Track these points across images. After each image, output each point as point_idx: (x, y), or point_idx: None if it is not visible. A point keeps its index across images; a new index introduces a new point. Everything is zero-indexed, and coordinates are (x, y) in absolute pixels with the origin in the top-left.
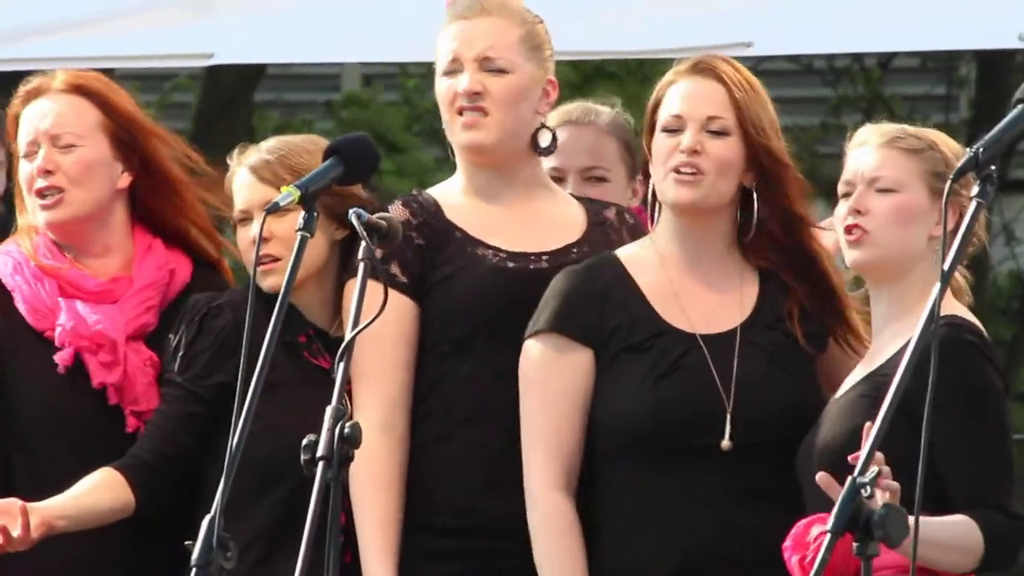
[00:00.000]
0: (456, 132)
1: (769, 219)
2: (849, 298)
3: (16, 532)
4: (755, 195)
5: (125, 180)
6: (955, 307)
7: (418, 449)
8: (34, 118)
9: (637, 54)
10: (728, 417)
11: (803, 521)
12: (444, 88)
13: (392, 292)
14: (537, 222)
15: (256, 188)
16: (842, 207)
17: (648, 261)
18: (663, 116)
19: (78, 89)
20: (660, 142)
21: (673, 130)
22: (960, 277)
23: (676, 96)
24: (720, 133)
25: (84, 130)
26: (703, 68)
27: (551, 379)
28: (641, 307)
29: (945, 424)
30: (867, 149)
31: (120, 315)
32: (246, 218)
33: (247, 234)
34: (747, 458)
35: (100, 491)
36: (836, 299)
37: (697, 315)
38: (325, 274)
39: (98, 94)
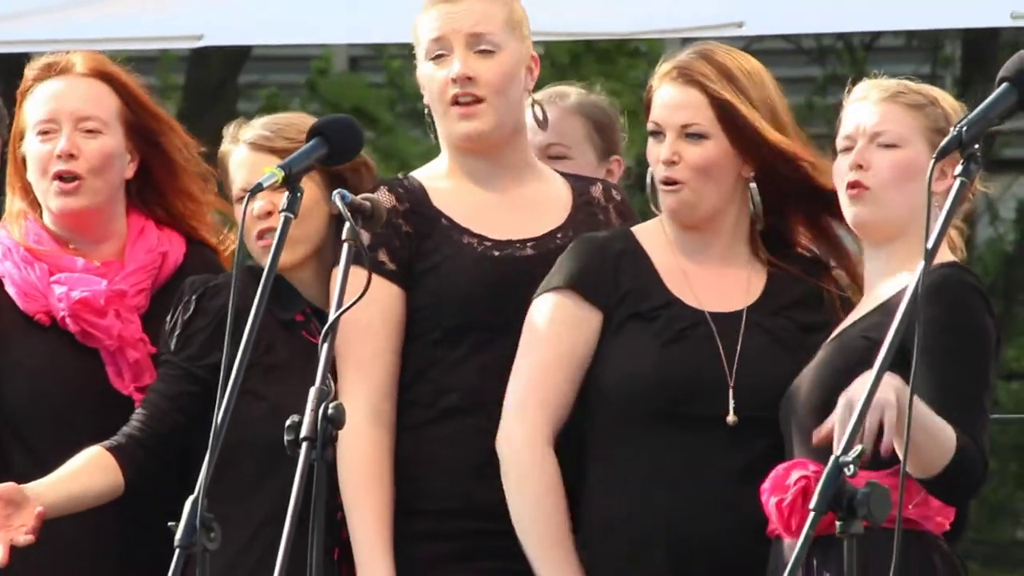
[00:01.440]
0: (452, 123)
1: (788, 204)
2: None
3: (23, 538)
4: (755, 186)
5: (131, 169)
6: (946, 256)
7: (406, 435)
8: (55, 97)
9: (628, 35)
10: (731, 391)
11: (783, 465)
12: (433, 76)
13: (380, 279)
14: (523, 207)
15: (257, 163)
16: (842, 161)
17: (660, 239)
18: (648, 121)
19: (101, 74)
20: (649, 148)
21: (656, 133)
22: (954, 232)
23: (657, 103)
24: (698, 136)
25: (107, 117)
26: (681, 73)
27: (560, 334)
28: (652, 278)
29: (935, 353)
30: (868, 103)
31: (121, 285)
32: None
33: (250, 211)
34: (749, 433)
35: (90, 473)
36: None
37: (705, 294)
38: (323, 252)
39: (119, 81)
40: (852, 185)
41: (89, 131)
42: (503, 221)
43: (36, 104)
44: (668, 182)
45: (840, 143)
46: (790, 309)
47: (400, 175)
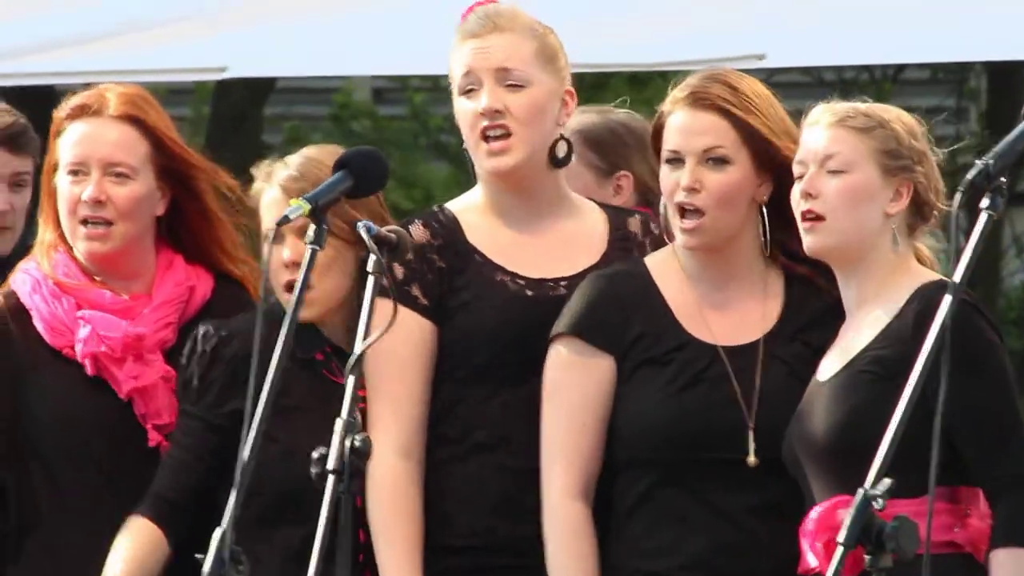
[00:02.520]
0: (482, 158)
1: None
2: None
3: None
4: (764, 212)
5: (162, 207)
6: (930, 275)
7: (433, 469)
8: (85, 140)
9: (649, 66)
10: (751, 433)
11: (826, 504)
12: (464, 110)
13: (413, 314)
14: (557, 243)
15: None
16: (796, 188)
17: (672, 270)
18: (664, 148)
19: (132, 119)
20: (664, 175)
21: (673, 160)
22: (925, 249)
23: (673, 128)
24: (720, 161)
25: (137, 163)
26: (699, 98)
27: (572, 387)
28: (664, 318)
29: (949, 388)
30: (818, 128)
31: (142, 327)
32: (279, 236)
33: (279, 254)
34: (769, 474)
35: (145, 554)
36: None
37: (719, 327)
38: (347, 301)
39: (149, 125)
40: (804, 215)
41: (118, 175)
42: (537, 258)
43: (67, 143)
44: (688, 209)
45: (795, 169)
46: (807, 331)
47: (436, 207)
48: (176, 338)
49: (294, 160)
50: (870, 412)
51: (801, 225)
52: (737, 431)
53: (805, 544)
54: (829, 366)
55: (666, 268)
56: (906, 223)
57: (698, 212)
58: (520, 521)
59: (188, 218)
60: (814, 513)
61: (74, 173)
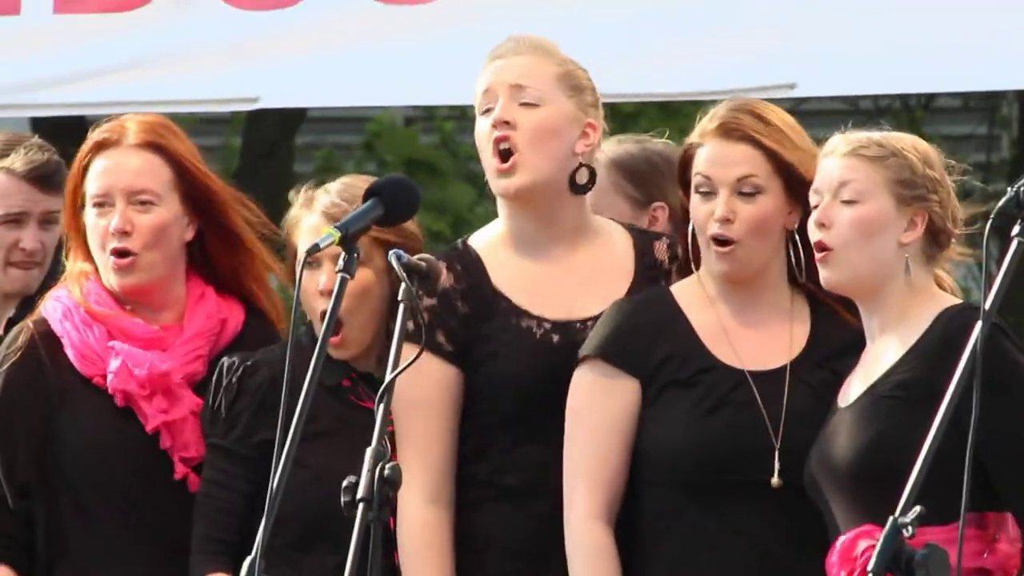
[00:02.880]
0: (493, 178)
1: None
2: None
3: None
4: (796, 239)
5: (190, 232)
6: (951, 299)
7: (463, 511)
8: (107, 172)
9: (680, 96)
10: (777, 454)
11: (848, 535)
12: (480, 129)
13: (438, 360)
14: (584, 275)
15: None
16: (813, 215)
17: (698, 297)
18: (695, 178)
19: (152, 146)
20: (695, 206)
21: (705, 192)
22: (945, 276)
23: (704, 158)
24: (752, 194)
25: (160, 189)
26: (730, 129)
27: (597, 409)
28: (690, 341)
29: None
30: (832, 158)
31: (169, 361)
32: (315, 263)
33: (315, 281)
34: (795, 497)
35: None
36: None
37: (746, 352)
38: (376, 320)
39: (170, 150)
40: (817, 247)
41: (143, 203)
42: (564, 295)
43: (92, 178)
44: (721, 240)
45: (811, 198)
46: (833, 360)
47: (459, 243)
48: (206, 370)
49: (334, 186)
50: (894, 437)
51: (818, 261)
52: (764, 454)
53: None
54: (850, 392)
55: (692, 294)
56: (923, 252)
57: (732, 242)
58: (547, 567)
59: (215, 245)
60: (838, 544)
61: (99, 206)
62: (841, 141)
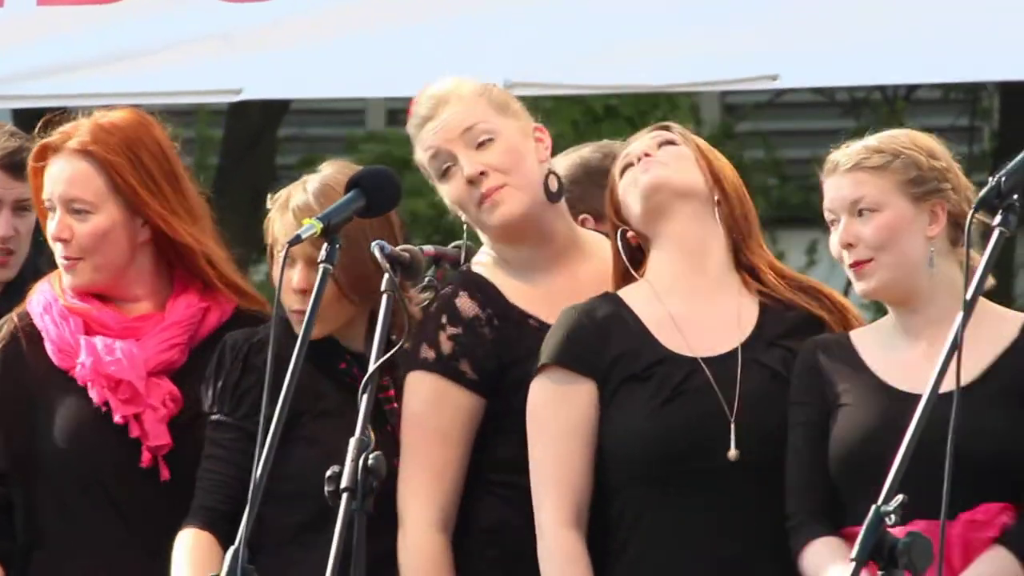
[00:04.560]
0: (486, 218)
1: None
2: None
3: None
4: (724, 207)
5: (145, 233)
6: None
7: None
8: (49, 178)
9: (663, 88)
10: (732, 427)
11: (969, 513)
12: (451, 192)
13: (459, 389)
14: (593, 285)
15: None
16: (833, 236)
17: (645, 295)
18: (621, 162)
19: (86, 154)
20: (624, 181)
21: (628, 166)
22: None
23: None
24: (668, 143)
25: (93, 197)
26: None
27: (557, 416)
28: (641, 336)
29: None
30: (836, 176)
31: (140, 352)
32: (290, 260)
33: (291, 276)
34: (759, 473)
35: (211, 567)
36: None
37: (697, 339)
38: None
39: (103, 160)
40: (852, 265)
41: (77, 211)
42: None
43: (44, 180)
44: (644, 167)
45: (826, 216)
46: (786, 338)
47: (465, 269)
48: (186, 359)
49: (310, 184)
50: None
51: (851, 275)
52: (722, 436)
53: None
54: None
55: (638, 293)
56: (947, 238)
57: (656, 164)
58: (523, 554)
59: (170, 248)
60: (961, 518)
61: (50, 210)
62: (841, 157)
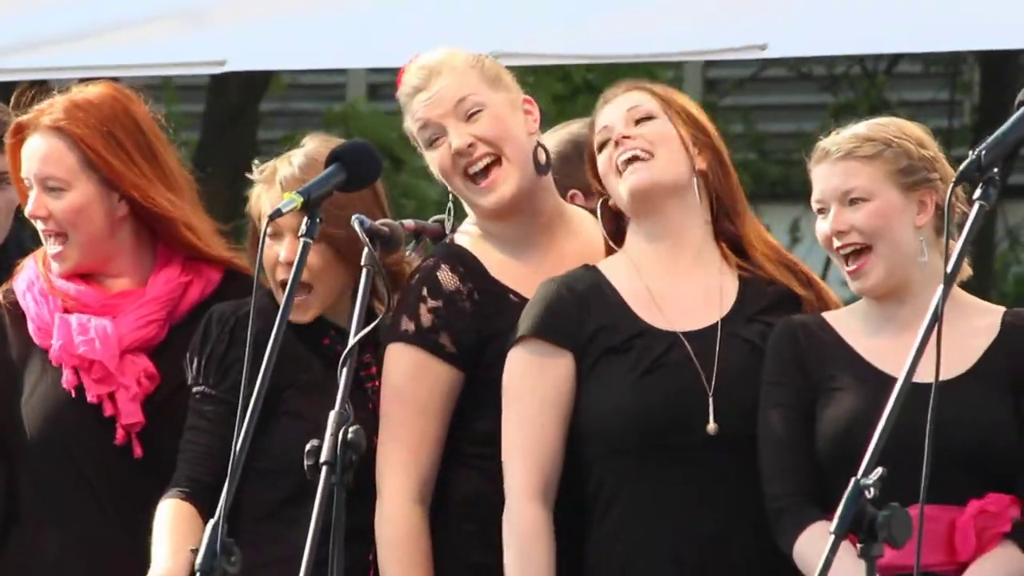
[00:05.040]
0: (479, 197)
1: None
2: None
3: None
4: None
5: (123, 208)
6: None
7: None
8: (25, 157)
9: (651, 57)
10: (711, 401)
11: (977, 503)
12: (438, 162)
13: (438, 362)
14: (576, 262)
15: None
16: (821, 224)
17: (625, 268)
18: (597, 138)
19: (58, 131)
20: (601, 159)
21: (605, 143)
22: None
23: (601, 117)
24: (646, 119)
25: (66, 174)
26: (625, 88)
27: (533, 388)
28: (620, 309)
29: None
30: (827, 165)
31: (115, 330)
32: (277, 233)
33: (275, 252)
34: (737, 446)
35: (192, 537)
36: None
37: (677, 314)
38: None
39: (75, 136)
40: (841, 251)
41: (51, 189)
42: None
43: (22, 159)
44: (630, 154)
45: (814, 205)
46: (766, 313)
47: (448, 242)
48: (166, 335)
49: (296, 158)
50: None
51: (847, 275)
52: (701, 408)
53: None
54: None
55: (618, 265)
56: (933, 227)
57: (642, 153)
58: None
59: (149, 221)
60: (970, 508)
61: (28, 188)
62: (832, 145)
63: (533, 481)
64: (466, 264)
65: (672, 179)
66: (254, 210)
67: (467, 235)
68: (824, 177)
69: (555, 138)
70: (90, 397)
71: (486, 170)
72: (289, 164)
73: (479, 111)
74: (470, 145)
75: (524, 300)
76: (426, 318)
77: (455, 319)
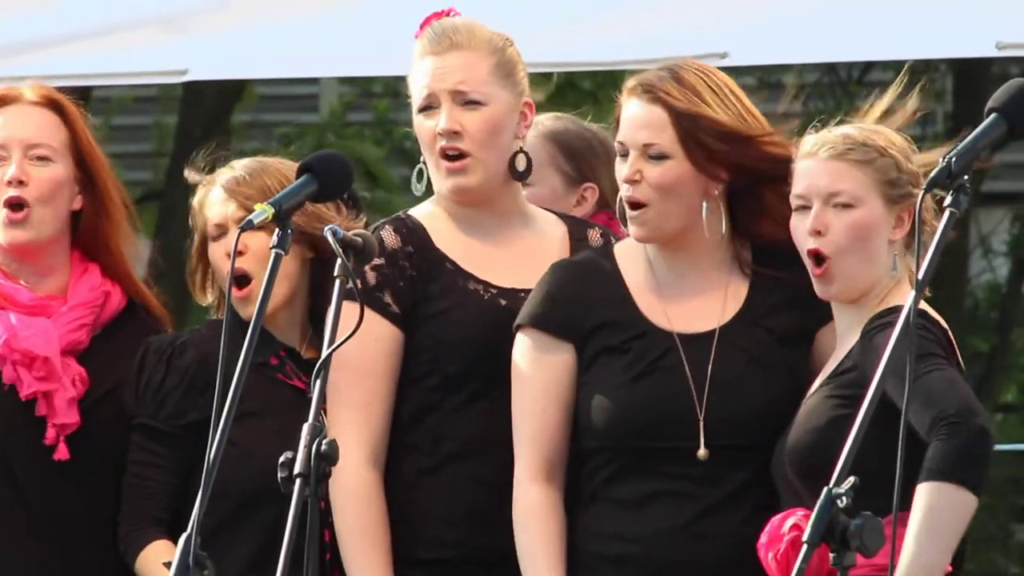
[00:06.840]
0: (442, 177)
1: (761, 216)
2: None
3: None
4: (726, 204)
5: (78, 202)
6: (903, 296)
7: (404, 480)
8: (5, 125)
9: (612, 65)
10: (701, 424)
11: (777, 516)
12: (423, 128)
13: (383, 321)
14: (523, 254)
15: (230, 204)
16: (799, 220)
17: (638, 257)
18: (615, 141)
19: (53, 104)
20: (616, 167)
21: (623, 155)
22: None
23: (623, 120)
24: (659, 157)
25: (58, 146)
26: (645, 90)
27: (534, 375)
28: (625, 305)
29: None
30: (817, 161)
31: (53, 330)
32: (222, 233)
33: (221, 248)
34: (723, 464)
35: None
36: None
37: (678, 315)
38: (296, 294)
39: (69, 113)
40: (812, 254)
41: (39, 158)
42: (505, 268)
43: None
44: (632, 204)
45: (794, 201)
46: (769, 316)
47: (401, 213)
48: (89, 342)
49: (242, 161)
50: (825, 436)
51: (812, 270)
52: (687, 421)
53: (761, 556)
54: (816, 383)
55: (633, 255)
56: (903, 242)
57: (641, 204)
58: (492, 533)
59: (96, 217)
60: (768, 526)
61: (5, 157)
62: (821, 144)
63: (536, 464)
64: (410, 229)
65: (674, 225)
66: (200, 220)
67: (422, 210)
68: (811, 174)
69: (571, 130)
70: (24, 393)
71: (459, 156)
72: (231, 168)
73: (478, 104)
74: (455, 132)
75: (460, 269)
76: (371, 276)
77: (396, 278)
